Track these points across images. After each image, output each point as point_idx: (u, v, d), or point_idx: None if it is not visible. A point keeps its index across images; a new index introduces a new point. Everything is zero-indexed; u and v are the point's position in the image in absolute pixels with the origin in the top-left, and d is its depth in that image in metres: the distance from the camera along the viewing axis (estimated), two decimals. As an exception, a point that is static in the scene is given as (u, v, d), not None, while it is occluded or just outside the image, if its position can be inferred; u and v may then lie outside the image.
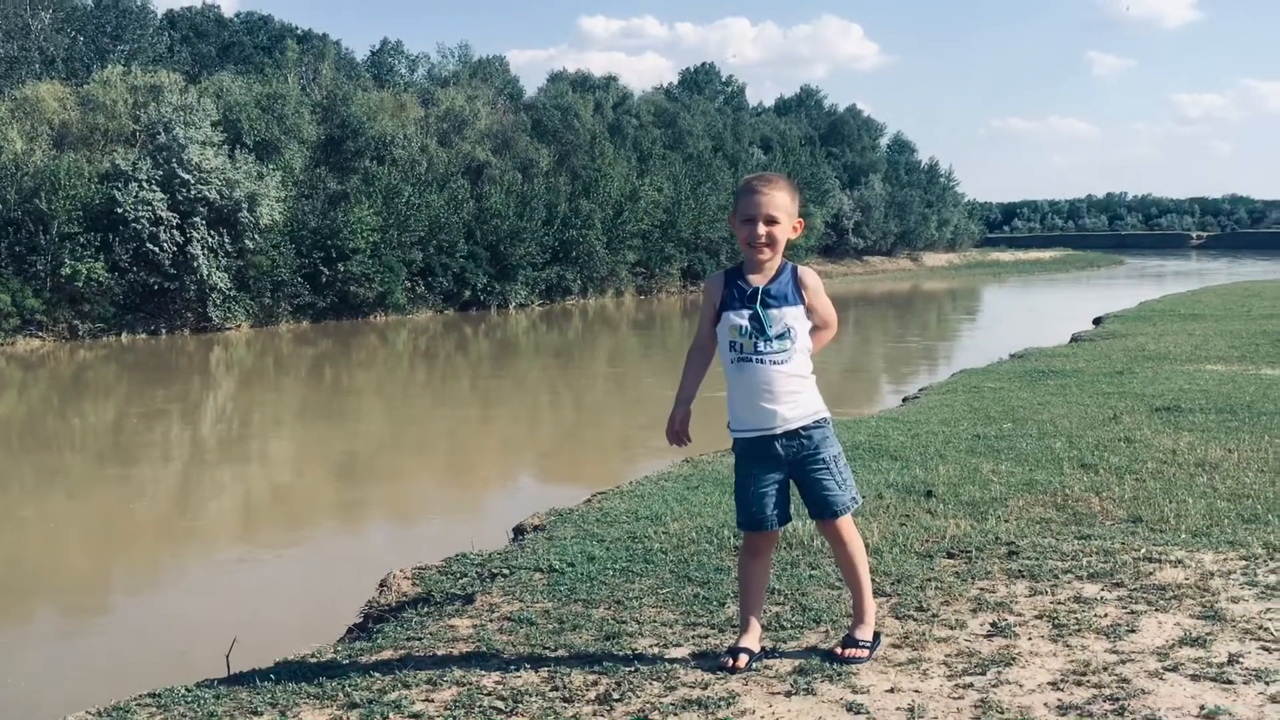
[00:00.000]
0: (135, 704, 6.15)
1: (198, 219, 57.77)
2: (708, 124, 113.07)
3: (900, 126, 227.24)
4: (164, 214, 56.48)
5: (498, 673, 6.20)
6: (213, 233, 58.47)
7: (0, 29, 69.15)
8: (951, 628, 6.76)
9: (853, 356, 46.07)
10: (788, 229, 6.06)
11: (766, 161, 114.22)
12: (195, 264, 57.40)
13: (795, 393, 6.03)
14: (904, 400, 23.70)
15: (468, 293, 73.46)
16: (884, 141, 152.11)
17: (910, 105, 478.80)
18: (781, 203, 6.03)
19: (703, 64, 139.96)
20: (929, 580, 7.75)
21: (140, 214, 55.78)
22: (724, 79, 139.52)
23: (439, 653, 6.75)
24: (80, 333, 54.99)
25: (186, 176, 57.45)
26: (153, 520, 22.89)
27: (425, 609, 8.18)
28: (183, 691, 6.30)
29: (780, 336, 5.98)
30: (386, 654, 6.85)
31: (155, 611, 16.19)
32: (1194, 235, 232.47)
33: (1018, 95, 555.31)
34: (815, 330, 6.16)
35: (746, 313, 6.01)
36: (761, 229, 6.01)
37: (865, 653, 6.19)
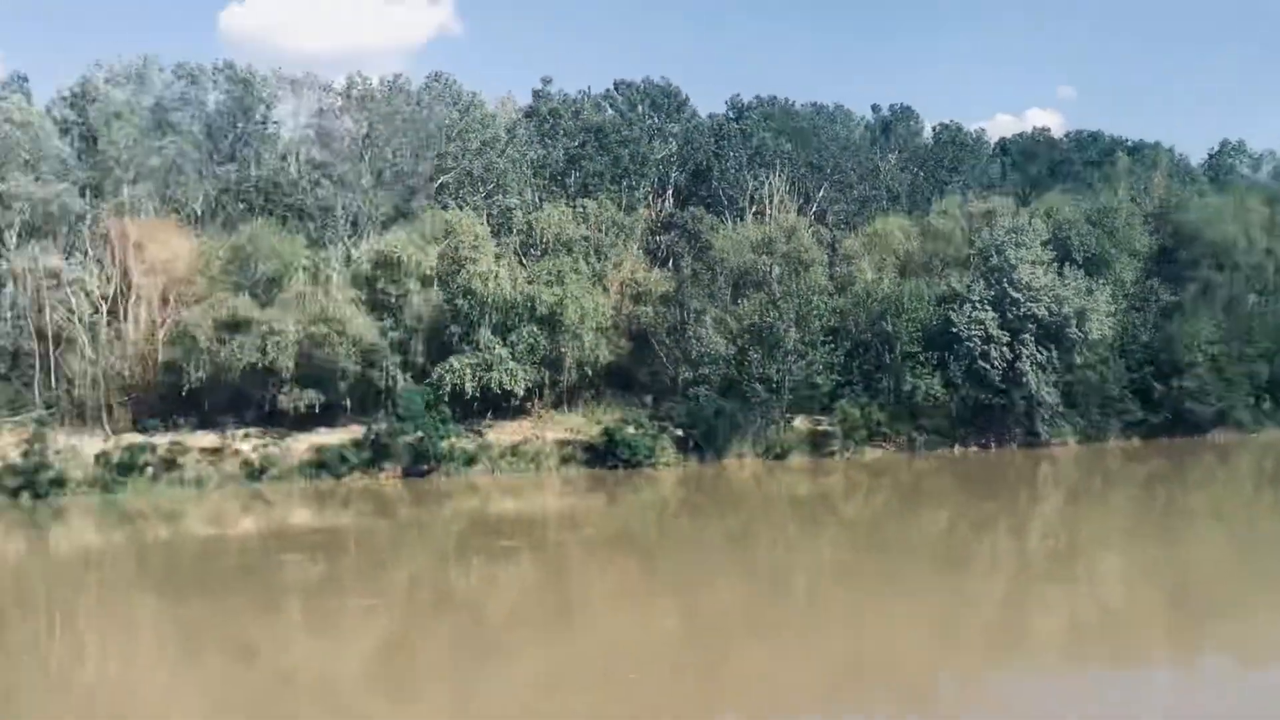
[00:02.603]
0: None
1: (1026, 336, 59.49)
2: None
3: None
4: (995, 332, 59.16)
5: None
6: (1041, 349, 59.71)
7: (855, 172, 78.95)
8: None
9: None
10: None
11: None
12: (1024, 380, 59.06)
13: None
14: None
15: (1325, 409, 65.01)
16: None
17: None
18: None
19: None
20: None
21: (973, 333, 59.15)
22: None
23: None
24: (918, 444, 59.57)
25: (1016, 295, 59.66)
26: (980, 629, 23.96)
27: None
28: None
29: None
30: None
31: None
32: None
33: None
34: None
35: None
36: None
37: None
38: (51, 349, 52.11)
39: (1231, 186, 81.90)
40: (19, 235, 54.29)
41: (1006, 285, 59.77)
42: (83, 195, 57.29)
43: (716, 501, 48.89)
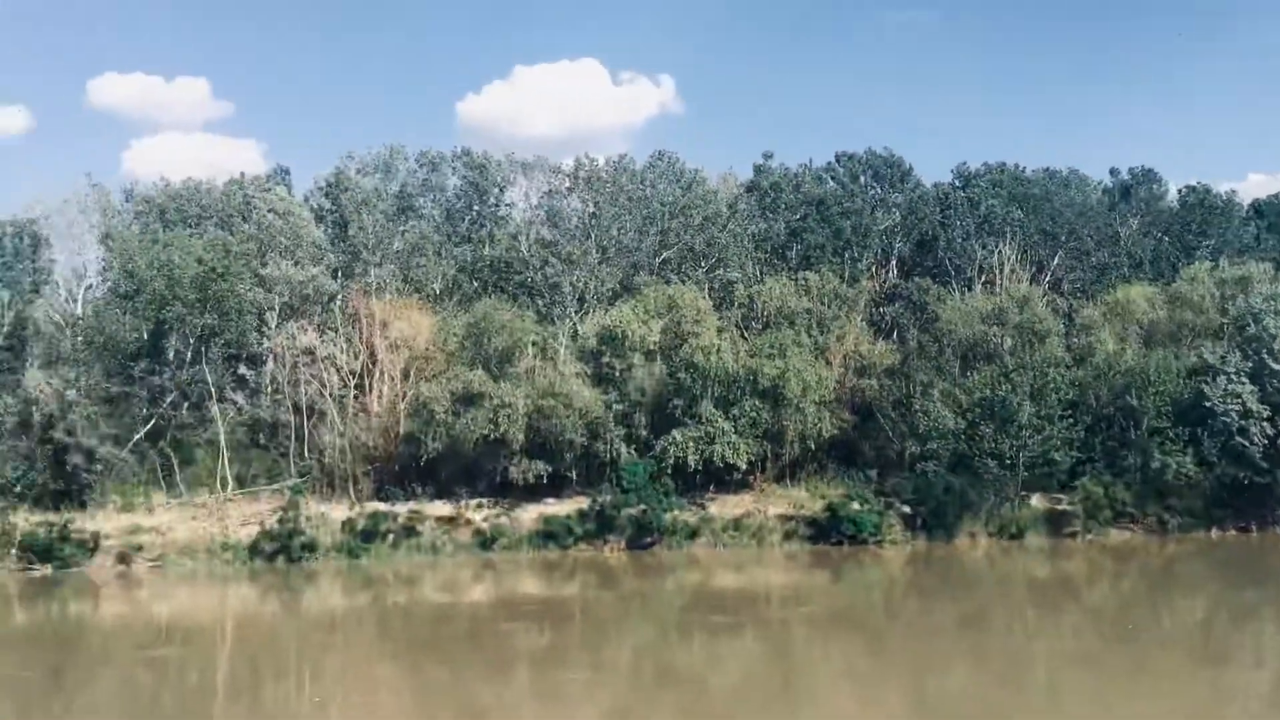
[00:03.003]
0: None
1: (1291, 410, 54.98)
2: None
3: None
4: (1254, 406, 54.91)
5: None
6: (1307, 424, 55.02)
7: (1092, 239, 75.54)
8: None
9: None
10: None
11: None
12: (1289, 458, 54.50)
13: None
14: None
15: None
16: None
17: None
18: None
19: None
20: None
21: (1230, 407, 55.08)
22: None
23: None
24: (1169, 526, 55.58)
25: (1278, 367, 55.38)
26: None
27: None
28: None
29: None
30: None
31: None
32: None
33: None
34: None
35: None
36: None
37: None
38: (305, 421, 55.90)
39: None
40: (279, 316, 58.92)
41: (1266, 356, 55.67)
42: (334, 277, 61.77)
43: (947, 582, 47.05)
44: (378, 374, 56.90)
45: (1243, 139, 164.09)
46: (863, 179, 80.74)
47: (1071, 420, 55.66)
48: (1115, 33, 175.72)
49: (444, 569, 48.77)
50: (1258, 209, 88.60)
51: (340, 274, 62.46)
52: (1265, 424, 54.47)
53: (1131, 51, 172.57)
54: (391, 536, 50.95)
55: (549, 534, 51.74)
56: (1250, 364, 55.82)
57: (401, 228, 65.47)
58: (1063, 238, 73.73)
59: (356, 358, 56.98)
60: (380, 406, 56.76)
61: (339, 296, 60.79)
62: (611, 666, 32.24)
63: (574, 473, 55.68)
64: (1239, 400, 54.75)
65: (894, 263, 74.81)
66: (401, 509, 52.30)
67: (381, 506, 52.62)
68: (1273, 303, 58.03)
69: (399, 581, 46.81)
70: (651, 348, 56.77)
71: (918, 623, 38.06)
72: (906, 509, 54.02)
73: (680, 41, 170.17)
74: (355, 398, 56.74)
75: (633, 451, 54.77)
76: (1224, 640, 32.08)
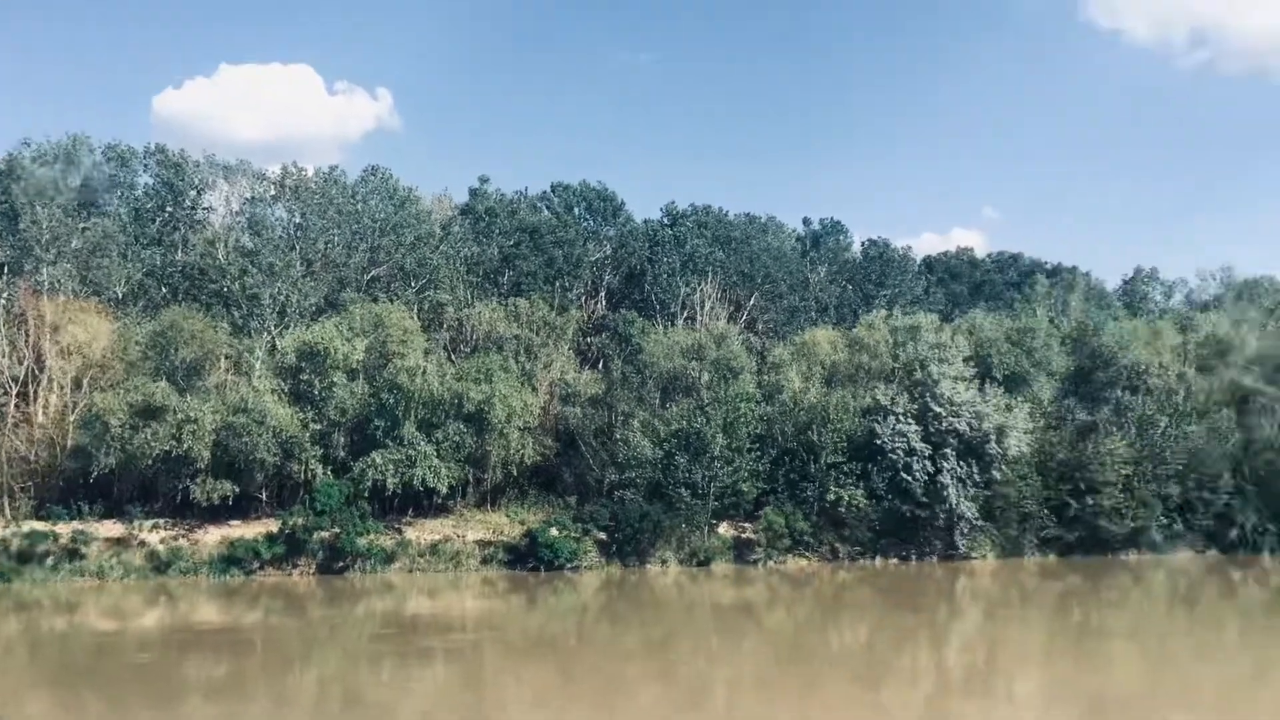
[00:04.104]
0: None
1: (948, 450, 60.27)
2: None
3: None
4: (917, 445, 59.89)
5: None
6: (961, 463, 60.48)
7: (785, 283, 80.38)
8: None
9: None
10: None
11: None
12: (945, 493, 59.64)
13: None
14: None
15: (1233, 533, 66.51)
16: None
17: None
18: None
19: None
20: None
21: (896, 445, 59.79)
22: None
23: None
24: (840, 555, 59.58)
25: (939, 409, 60.63)
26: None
27: None
28: None
29: None
30: None
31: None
32: None
33: None
34: None
35: None
36: None
37: None
38: (-46, 429, 50.45)
39: (1145, 312, 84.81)
40: (-71, 311, 52.96)
41: (929, 399, 60.72)
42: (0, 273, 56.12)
43: (638, 607, 48.24)
44: (45, 381, 52.19)
45: (919, 200, 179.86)
46: (576, 210, 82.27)
47: (758, 453, 58.71)
48: (817, 89, 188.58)
49: (111, 594, 45.11)
50: (929, 264, 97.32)
51: (6, 270, 56.87)
52: (927, 462, 59.46)
53: (831, 110, 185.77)
54: (51, 558, 46.72)
55: (233, 558, 49.02)
56: (916, 406, 60.77)
57: (82, 224, 60.28)
58: (759, 280, 77.81)
59: (21, 363, 52.05)
60: (46, 417, 52.06)
61: (3, 295, 55.35)
62: (294, 697, 30.82)
63: (264, 493, 53.16)
64: (905, 439, 59.49)
65: (603, 294, 76.51)
66: (65, 529, 48.08)
67: (40, 525, 48.18)
68: (937, 351, 63.56)
69: (58, 607, 42.85)
70: (355, 366, 55.06)
71: (608, 647, 38.78)
72: (603, 535, 55.08)
73: (400, 56, 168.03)
74: (16, 406, 51.76)
75: (329, 473, 52.90)
76: (884, 662, 34.54)
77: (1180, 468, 64.77)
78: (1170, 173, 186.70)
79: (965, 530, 60.29)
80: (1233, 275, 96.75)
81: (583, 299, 73.47)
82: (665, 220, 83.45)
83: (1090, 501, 62.18)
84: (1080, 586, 54.60)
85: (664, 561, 55.76)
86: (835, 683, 30.98)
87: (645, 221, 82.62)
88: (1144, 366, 71.39)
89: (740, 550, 57.67)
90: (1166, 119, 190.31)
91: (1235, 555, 65.24)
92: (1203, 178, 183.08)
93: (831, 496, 58.35)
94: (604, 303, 75.89)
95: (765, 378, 65.97)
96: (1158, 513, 63.90)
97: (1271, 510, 66.88)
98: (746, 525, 58.79)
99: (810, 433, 59.75)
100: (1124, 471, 62.81)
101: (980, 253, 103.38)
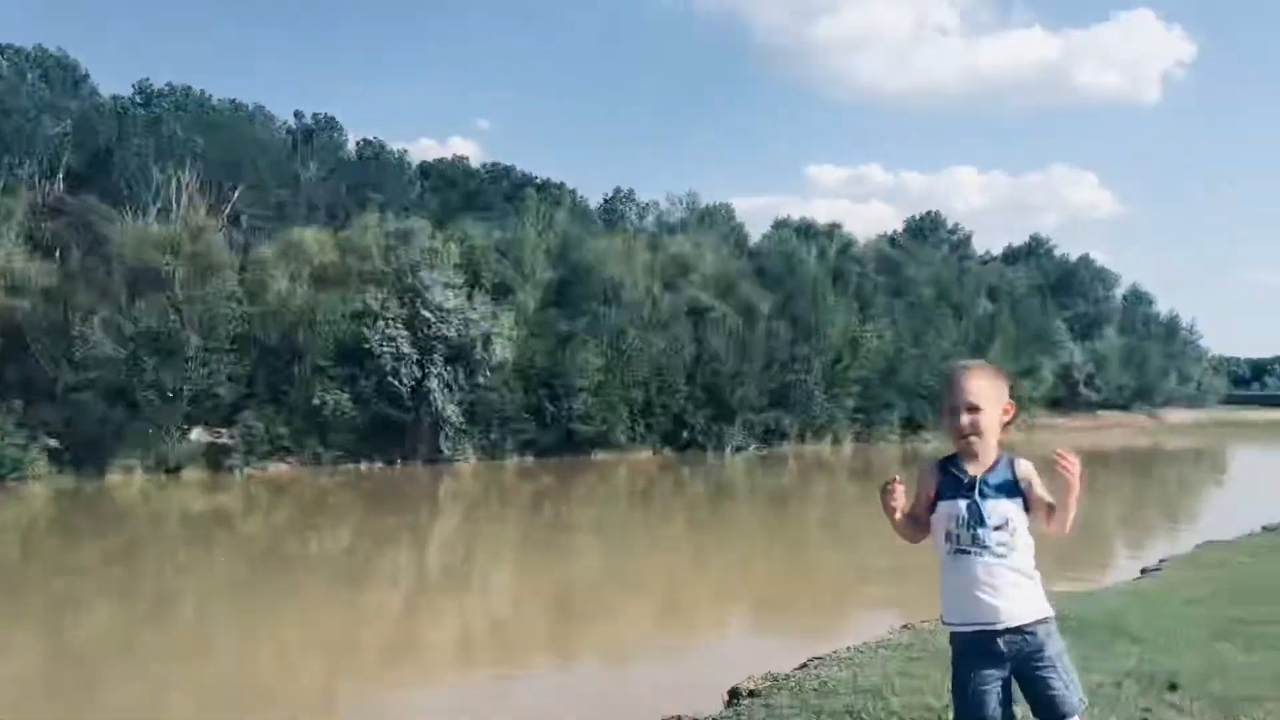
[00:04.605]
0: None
1: (436, 355, 61.20)
2: (932, 272, 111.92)
3: (1137, 277, 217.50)
4: (406, 350, 60.16)
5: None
6: (449, 369, 61.73)
7: (273, 178, 76.46)
8: (1201, 843, 6.23)
9: (1085, 518, 43.74)
10: (994, 415, 5.84)
11: (993, 311, 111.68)
12: (431, 398, 60.61)
13: (1016, 587, 5.71)
14: (1142, 572, 22.28)
15: (685, 433, 74.31)
16: (1119, 293, 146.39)
17: (1148, 256, 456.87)
18: (984, 389, 5.84)
19: (928, 212, 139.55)
20: (1175, 785, 7.19)
21: (385, 350, 59.64)
22: (949, 227, 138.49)
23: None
24: (324, 460, 58.60)
25: (428, 315, 61.22)
26: (378, 645, 23.80)
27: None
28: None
29: (999, 528, 5.71)
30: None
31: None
32: None
33: (1267, 245, 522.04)
34: (1052, 513, 5.94)
35: (963, 502, 5.77)
36: (965, 418, 5.81)
37: None
38: None
39: (622, 230, 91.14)
40: None
41: (420, 306, 61.12)
42: None
43: (96, 519, 44.25)
44: None
45: (418, 104, 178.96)
46: (30, 77, 72.21)
47: (239, 355, 55.86)
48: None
49: None
50: (425, 170, 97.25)
51: None
52: (415, 366, 60.00)
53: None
54: None
55: None
56: (406, 312, 60.93)
57: None
58: (245, 173, 73.38)
59: None
60: None
61: None
62: None
63: None
64: (394, 344, 59.52)
65: (61, 176, 68.16)
66: None
67: None
68: (429, 257, 63.99)
69: None
70: None
71: (59, 563, 35.18)
72: (55, 443, 49.75)
73: None
74: None
75: None
76: (365, 564, 34.57)
77: (645, 375, 70.90)
78: (648, 101, 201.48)
79: (450, 434, 61.85)
80: (697, 201, 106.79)
81: (37, 179, 64.91)
82: (138, 98, 75.79)
83: (566, 406, 66.29)
84: (554, 486, 58.16)
85: (128, 470, 51.60)
86: (314, 587, 30.48)
87: (114, 98, 74.48)
88: (619, 281, 76.91)
89: (216, 456, 54.85)
90: (646, 51, 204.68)
91: (686, 454, 72.99)
92: (675, 107, 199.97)
93: (316, 401, 57.10)
94: (62, 185, 67.64)
95: (249, 276, 62.71)
96: (624, 416, 69.64)
97: (716, 413, 75.39)
98: (223, 430, 55.94)
99: (296, 335, 57.82)
100: (597, 378, 67.60)
101: (475, 163, 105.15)
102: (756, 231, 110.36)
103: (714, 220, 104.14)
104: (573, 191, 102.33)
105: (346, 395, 58.32)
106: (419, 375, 60.54)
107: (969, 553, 5.78)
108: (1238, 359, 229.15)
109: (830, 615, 24.89)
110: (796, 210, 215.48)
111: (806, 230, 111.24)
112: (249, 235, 69.55)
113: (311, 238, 67.79)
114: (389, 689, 19.90)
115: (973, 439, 5.88)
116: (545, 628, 25.11)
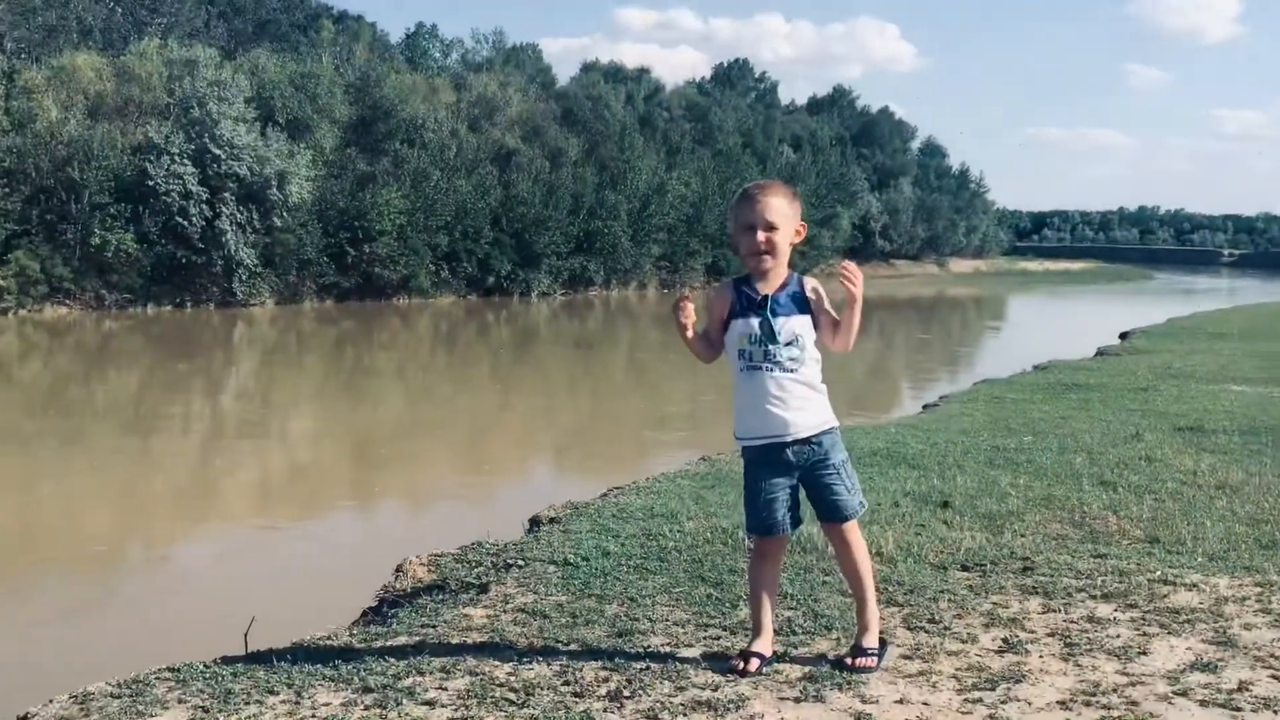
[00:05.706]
0: (155, 677, 6.24)
1: (227, 194, 58.16)
2: (738, 120, 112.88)
3: (933, 130, 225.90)
4: (194, 188, 56.87)
5: (510, 664, 6.26)
6: (241, 209, 58.85)
7: (39, -3, 69.78)
8: (963, 641, 6.78)
9: (874, 360, 45.96)
10: (788, 235, 5.94)
11: (796, 160, 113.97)
12: (223, 239, 57.80)
13: (805, 400, 5.93)
14: (924, 408, 23.66)
15: (491, 279, 73.73)
16: (915, 145, 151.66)
17: (944, 109, 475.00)
18: (779, 208, 5.91)
19: (736, 59, 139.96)
20: (942, 592, 7.76)
21: (171, 187, 56.21)
22: (757, 75, 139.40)
23: (453, 641, 6.82)
24: (107, 303, 55.44)
25: (218, 152, 57.83)
26: (171, 494, 23.11)
27: (440, 596, 8.25)
28: (201, 667, 6.38)
29: (789, 344, 5.91)
30: (401, 640, 6.92)
31: (172, 586, 16.35)
32: (1226, 253, 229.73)
33: (1053, 104, 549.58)
34: (836, 328, 6.00)
35: (756, 320, 5.93)
36: (761, 236, 5.89)
37: (874, 661, 6.17)
38: None
39: (425, 68, 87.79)
40: None
41: (208, 141, 57.75)
42: None
43: None
44: None
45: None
46: None
47: (8, 190, 51.69)
48: None
49: None
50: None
51: None
52: (204, 205, 56.97)
53: None
54: None
55: None
56: (193, 147, 57.46)
57: None
58: (4, -12, 66.61)
59: None
60: None
61: None
62: None
63: None
64: (180, 181, 56.24)
65: None
66: None
67: None
68: (217, 88, 60.17)
69: None
70: None
71: None
72: None
73: None
74: None
75: None
76: (156, 411, 33.30)
77: (449, 219, 69.59)
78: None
79: (244, 277, 59.50)
80: (503, 40, 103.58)
81: None
82: None
83: (367, 250, 64.60)
84: (355, 331, 56.97)
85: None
86: (103, 436, 29.16)
87: None
88: (421, 121, 74.50)
89: (-14, 300, 51.15)
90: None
91: (491, 299, 72.62)
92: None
93: (97, 240, 53.70)
94: None
95: (15, 104, 57.65)
96: (427, 260, 68.45)
97: (521, 258, 75.04)
98: (-7, 272, 52.12)
99: (71, 169, 53.83)
100: (399, 222, 65.92)
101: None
102: (564, 74, 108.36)
103: (521, 61, 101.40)
104: (372, 25, 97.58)
105: (130, 235, 54.99)
106: (210, 215, 57.54)
107: (760, 368, 5.95)
108: (1020, 212, 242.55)
109: (632, 455, 25.56)
110: (605, 53, 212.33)
111: (615, 74, 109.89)
112: (14, 59, 63.58)
113: (85, 64, 62.58)
114: (182, 537, 19.44)
115: (766, 258, 5.95)
116: (345, 473, 24.90)
